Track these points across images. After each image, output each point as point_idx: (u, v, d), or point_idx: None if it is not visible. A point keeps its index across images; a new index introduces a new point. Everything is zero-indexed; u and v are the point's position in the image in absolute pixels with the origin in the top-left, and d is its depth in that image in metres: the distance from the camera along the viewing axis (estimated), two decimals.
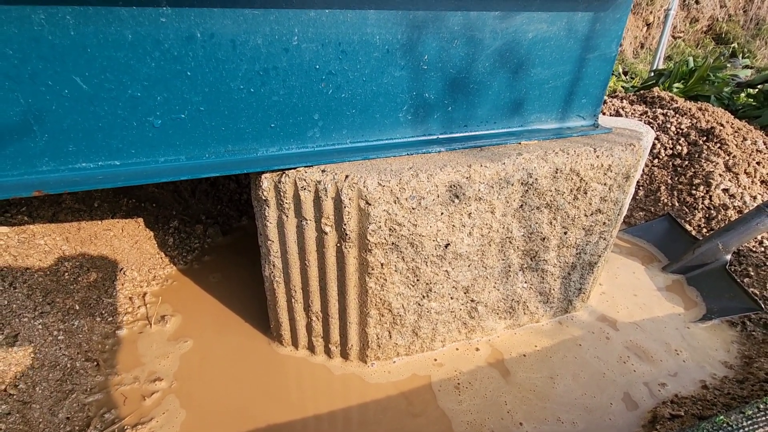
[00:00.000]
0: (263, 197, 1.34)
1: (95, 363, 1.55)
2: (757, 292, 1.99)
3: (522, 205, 1.49)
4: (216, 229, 2.51)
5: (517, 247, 1.58)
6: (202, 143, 1.23)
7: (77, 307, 1.67)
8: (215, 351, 1.71)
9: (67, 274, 1.75)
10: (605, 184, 1.57)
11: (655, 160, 2.78)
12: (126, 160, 1.17)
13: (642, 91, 3.31)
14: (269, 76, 1.21)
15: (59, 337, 1.51)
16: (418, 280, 1.47)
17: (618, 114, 3.07)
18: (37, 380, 1.36)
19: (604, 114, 3.14)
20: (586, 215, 1.62)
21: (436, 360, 1.69)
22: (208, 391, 1.54)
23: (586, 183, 1.53)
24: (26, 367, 1.36)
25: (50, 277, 1.66)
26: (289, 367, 1.65)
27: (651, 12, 8.71)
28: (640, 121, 3.01)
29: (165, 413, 1.44)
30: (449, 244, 1.43)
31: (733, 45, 8.91)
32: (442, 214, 1.36)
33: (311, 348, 1.67)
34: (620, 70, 5.93)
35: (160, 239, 2.26)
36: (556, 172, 1.47)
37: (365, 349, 1.60)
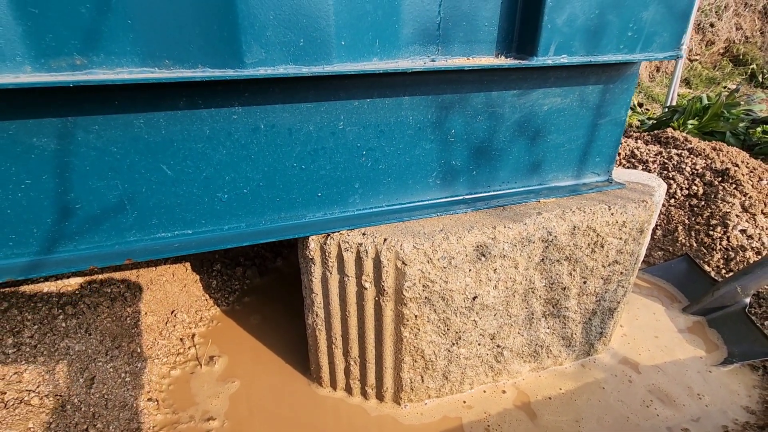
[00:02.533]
0: (310, 256, 1.51)
1: (155, 402, 1.72)
2: None
3: (543, 259, 1.62)
4: (254, 271, 2.70)
5: (540, 297, 1.70)
6: (260, 212, 1.43)
7: (139, 350, 1.85)
8: (261, 391, 1.86)
9: (128, 318, 1.95)
10: (620, 238, 1.69)
11: (672, 200, 2.87)
12: (197, 229, 1.37)
13: (656, 131, 3.42)
14: (318, 155, 1.40)
15: (126, 379, 1.69)
16: (448, 329, 1.60)
17: (633, 154, 3.19)
18: (110, 419, 1.53)
19: (619, 155, 3.26)
20: (603, 266, 1.73)
21: (465, 402, 1.80)
22: (257, 430, 1.68)
23: (603, 238, 1.66)
24: (102, 407, 1.54)
25: (116, 323, 1.86)
26: (328, 408, 1.79)
27: None
28: (655, 160, 3.12)
29: None
30: (477, 296, 1.57)
31: (752, 66, 8.92)
32: (470, 270, 1.51)
33: (348, 389, 1.80)
34: (635, 102, 6.05)
35: (204, 282, 2.45)
36: (574, 229, 1.60)
37: (399, 392, 1.72)
